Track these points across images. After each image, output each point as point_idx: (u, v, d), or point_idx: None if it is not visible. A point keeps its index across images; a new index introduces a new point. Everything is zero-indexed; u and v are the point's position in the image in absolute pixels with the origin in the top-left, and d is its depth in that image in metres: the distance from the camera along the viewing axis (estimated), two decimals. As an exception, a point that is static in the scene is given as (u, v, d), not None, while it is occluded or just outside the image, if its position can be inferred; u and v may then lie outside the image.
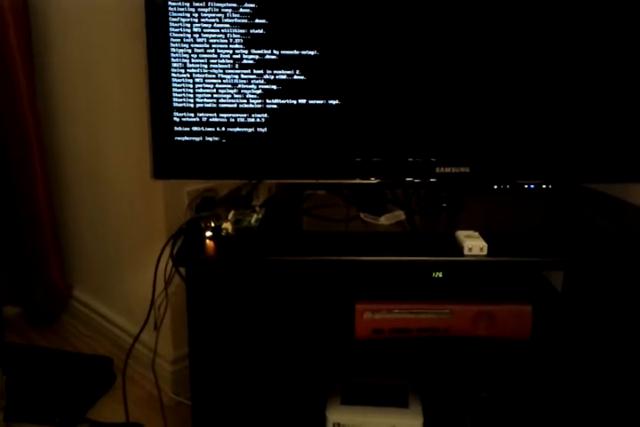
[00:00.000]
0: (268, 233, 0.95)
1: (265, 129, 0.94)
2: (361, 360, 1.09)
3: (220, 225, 0.93)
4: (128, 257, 1.43)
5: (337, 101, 0.93)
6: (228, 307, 0.95)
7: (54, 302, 1.61)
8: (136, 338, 1.06)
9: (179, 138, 0.94)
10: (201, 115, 0.93)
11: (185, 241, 0.92)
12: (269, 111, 0.93)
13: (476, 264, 0.88)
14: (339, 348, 1.02)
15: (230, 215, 0.96)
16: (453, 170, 0.96)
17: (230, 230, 0.93)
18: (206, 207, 0.99)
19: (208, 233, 0.92)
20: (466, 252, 0.87)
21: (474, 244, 0.87)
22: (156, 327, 1.03)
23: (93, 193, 1.48)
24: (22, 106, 1.43)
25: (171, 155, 0.94)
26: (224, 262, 0.90)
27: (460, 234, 0.90)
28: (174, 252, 0.90)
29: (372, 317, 0.98)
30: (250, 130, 0.94)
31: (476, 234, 0.90)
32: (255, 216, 0.97)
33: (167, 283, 0.95)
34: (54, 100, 1.51)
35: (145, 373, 1.35)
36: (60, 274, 1.59)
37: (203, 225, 0.93)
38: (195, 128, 0.93)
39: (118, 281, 1.48)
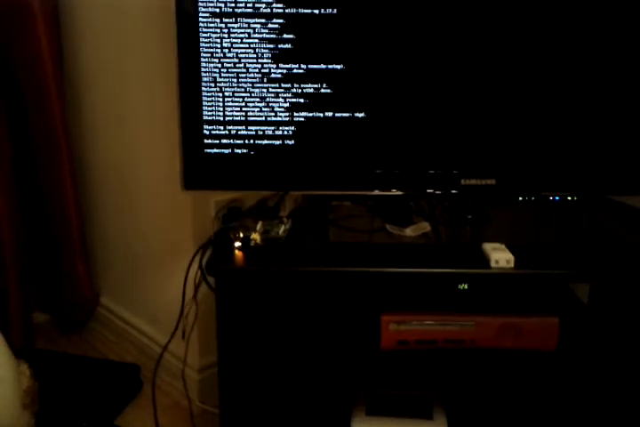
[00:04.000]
0: (296, 244, 0.96)
1: (292, 141, 0.95)
2: (386, 371, 1.09)
3: (249, 236, 0.94)
4: (155, 266, 1.45)
5: (363, 114, 0.94)
6: (256, 316, 0.97)
7: (82, 310, 1.63)
8: (165, 347, 1.07)
9: (208, 150, 0.96)
10: (230, 128, 0.95)
11: (214, 251, 0.94)
12: (297, 124, 0.95)
13: (503, 277, 0.88)
14: (364, 359, 1.03)
15: (258, 226, 0.97)
16: (479, 182, 0.96)
17: (259, 241, 0.94)
18: (233, 217, 1.00)
19: (237, 243, 0.94)
20: (493, 264, 0.87)
21: (501, 256, 0.87)
22: (184, 336, 1.05)
23: (122, 202, 1.51)
24: (53, 114, 1.43)
25: (200, 167, 0.96)
26: (253, 273, 0.91)
27: (487, 246, 0.90)
28: (204, 262, 0.92)
29: (397, 328, 0.98)
30: (277, 142, 0.95)
31: (503, 246, 0.90)
32: (283, 227, 0.98)
33: (196, 292, 0.97)
34: (83, 110, 1.54)
35: (170, 380, 1.37)
36: (88, 282, 1.62)
37: (232, 236, 0.95)
38: (224, 141, 0.95)
39: (145, 290, 1.50)
